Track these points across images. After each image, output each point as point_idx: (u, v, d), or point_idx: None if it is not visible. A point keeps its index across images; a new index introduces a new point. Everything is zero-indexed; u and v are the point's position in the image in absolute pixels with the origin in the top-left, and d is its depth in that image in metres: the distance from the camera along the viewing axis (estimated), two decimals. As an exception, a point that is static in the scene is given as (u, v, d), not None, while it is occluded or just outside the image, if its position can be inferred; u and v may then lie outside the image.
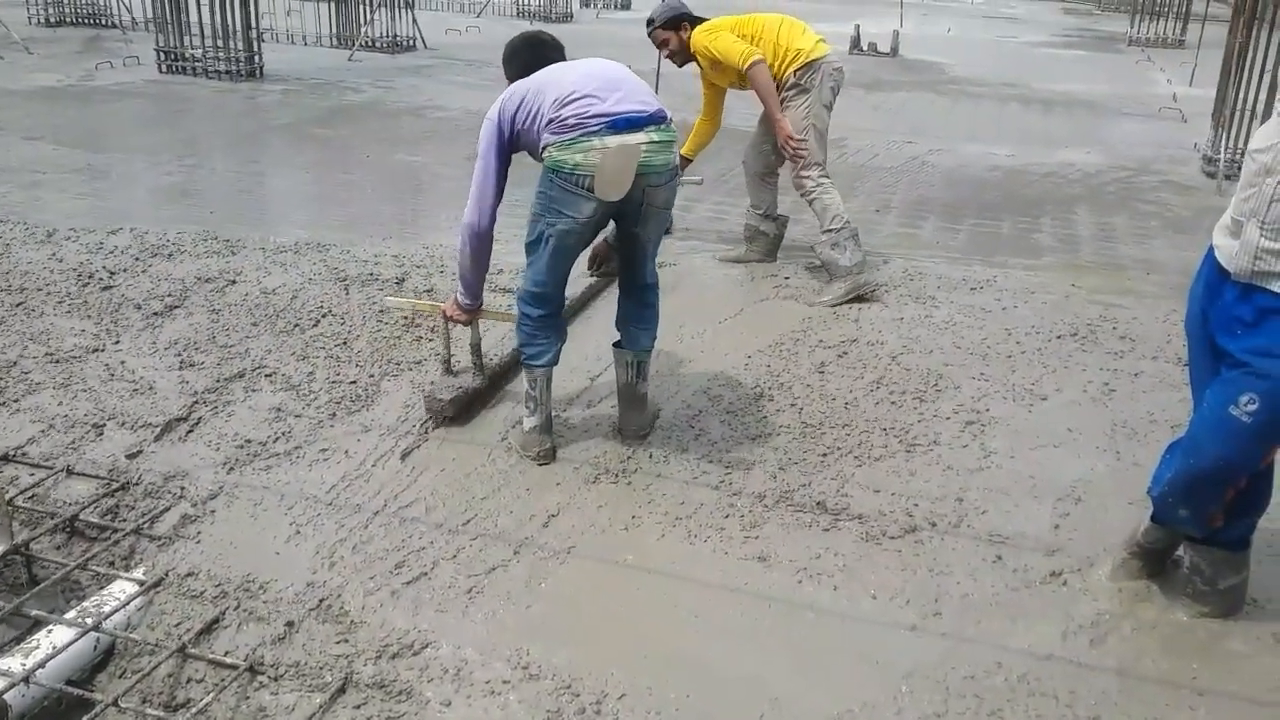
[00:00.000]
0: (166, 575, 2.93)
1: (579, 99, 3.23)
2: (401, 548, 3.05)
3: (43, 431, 3.64)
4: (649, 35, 5.35)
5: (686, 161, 5.73)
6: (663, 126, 3.32)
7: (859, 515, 3.29)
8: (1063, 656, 2.72)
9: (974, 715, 2.52)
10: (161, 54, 11.06)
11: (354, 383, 4.04)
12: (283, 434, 3.66)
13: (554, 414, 3.68)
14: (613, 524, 3.21)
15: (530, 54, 3.61)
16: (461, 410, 3.79)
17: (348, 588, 2.87)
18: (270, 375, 4.07)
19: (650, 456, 3.59)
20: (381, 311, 4.69)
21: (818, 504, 3.34)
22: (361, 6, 13.52)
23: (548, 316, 3.51)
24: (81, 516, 3.23)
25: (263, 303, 4.74)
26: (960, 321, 4.87)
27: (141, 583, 2.92)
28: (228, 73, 10.90)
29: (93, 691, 2.67)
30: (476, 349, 3.89)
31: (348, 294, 4.88)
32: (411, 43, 13.75)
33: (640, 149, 3.24)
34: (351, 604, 2.81)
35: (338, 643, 2.67)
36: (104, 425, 3.68)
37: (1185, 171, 8.44)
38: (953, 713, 2.52)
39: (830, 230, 5.13)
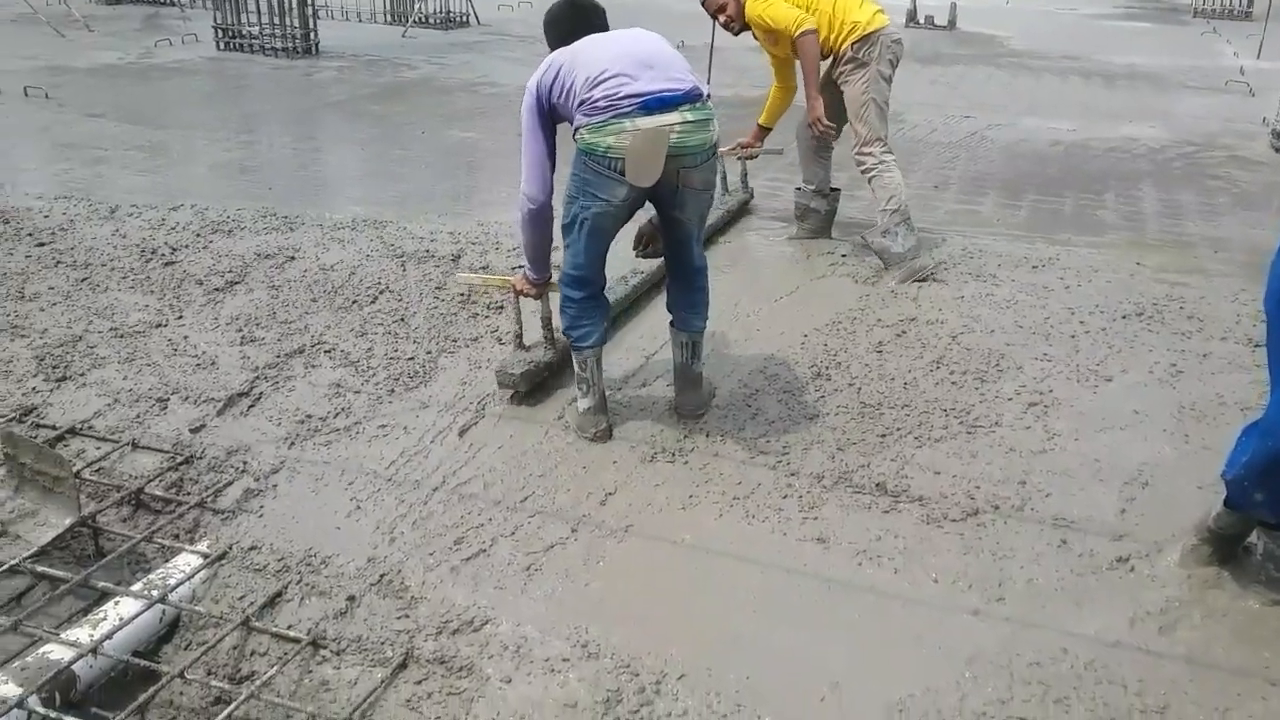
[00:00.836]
0: (230, 549, 2.97)
1: (610, 79, 3.15)
2: (460, 524, 3.06)
3: (109, 405, 3.70)
4: (702, 3, 5.26)
5: (765, 131, 5.67)
6: (698, 105, 3.22)
7: (919, 497, 3.24)
8: (1131, 644, 2.66)
9: (1039, 703, 2.47)
10: (219, 31, 11.18)
11: (411, 359, 4.05)
12: (342, 410, 3.69)
13: (609, 393, 3.67)
14: (670, 503, 3.20)
15: (571, 20, 3.51)
16: (533, 384, 3.79)
17: (408, 563, 2.89)
18: (329, 351, 4.11)
19: (707, 435, 3.56)
20: (438, 288, 4.70)
21: (877, 485, 3.30)
22: (415, -18, 13.56)
23: (589, 298, 3.49)
24: (147, 490, 3.28)
25: (321, 279, 4.77)
26: (1022, 300, 4.78)
27: (206, 555, 2.96)
28: (284, 49, 10.99)
29: (159, 663, 2.71)
30: (547, 323, 3.87)
31: (404, 270, 4.90)
32: (465, 19, 13.77)
33: (672, 131, 3.15)
34: (412, 579, 2.83)
35: (399, 618, 2.69)
36: (168, 400, 3.73)
37: (1254, 147, 8.21)
38: (1018, 700, 2.48)
39: (884, 211, 5.05)
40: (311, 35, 11.12)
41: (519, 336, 3.88)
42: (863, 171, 5.13)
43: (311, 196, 6.18)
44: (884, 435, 3.59)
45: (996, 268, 5.19)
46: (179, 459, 3.41)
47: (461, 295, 4.62)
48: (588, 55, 3.26)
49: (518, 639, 2.63)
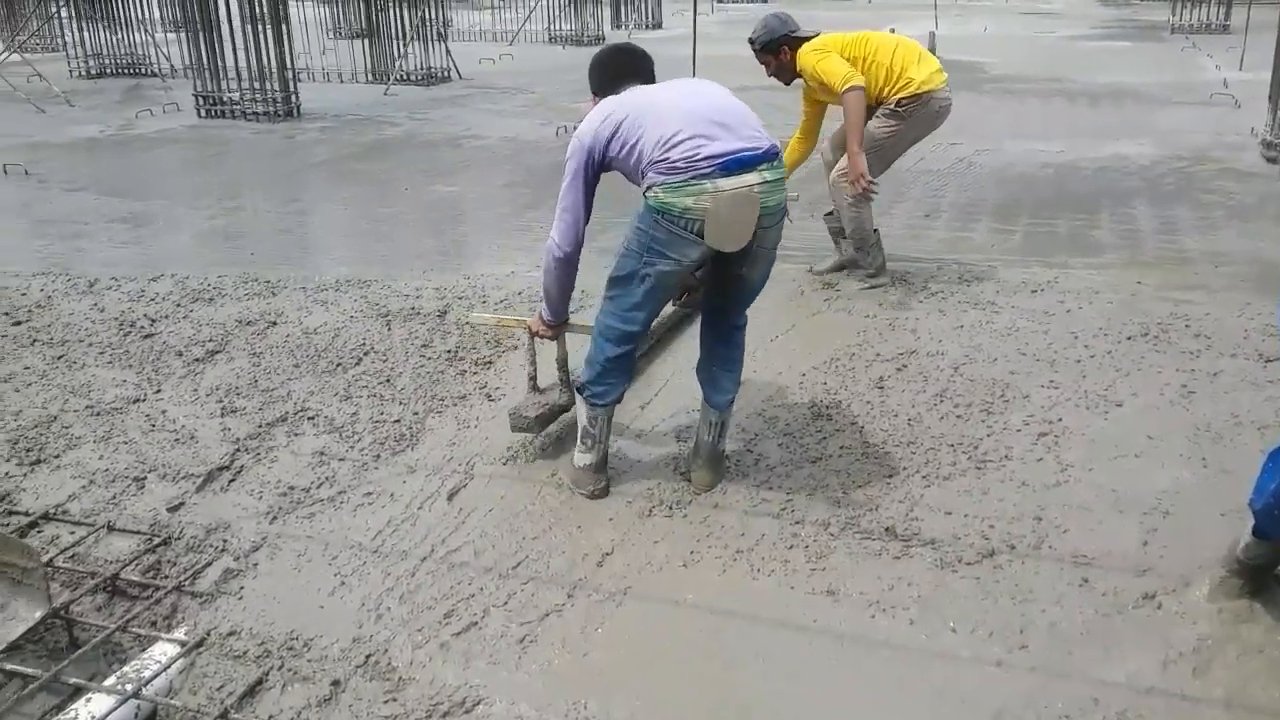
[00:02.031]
0: (208, 635, 2.81)
1: (685, 140, 3.00)
2: (450, 595, 2.91)
3: (83, 487, 3.56)
4: (754, 50, 5.16)
5: None
6: (775, 163, 3.10)
7: (931, 540, 3.10)
8: (1164, 689, 2.50)
9: (1073, 758, 2.32)
10: (200, 99, 11.14)
11: (398, 421, 3.92)
12: (326, 479, 3.55)
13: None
14: (670, 561, 3.05)
15: (618, 66, 3.42)
16: (546, 427, 3.71)
17: (395, 641, 2.74)
18: (313, 418, 3.97)
19: (706, 486, 3.42)
20: (424, 345, 4.58)
21: (886, 530, 3.15)
22: (395, 41, 13.57)
23: (626, 356, 3.33)
24: (122, 575, 3.12)
25: (304, 343, 4.65)
26: (1023, 327, 4.66)
27: (183, 643, 2.81)
28: (266, 114, 10.95)
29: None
30: (563, 364, 3.76)
31: (390, 330, 4.78)
32: (446, 74, 13.77)
33: (757, 195, 3.03)
34: (399, 659, 2.67)
35: (385, 702, 2.53)
36: (145, 478, 3.59)
37: (1245, 158, 8.14)
38: (1049, 757, 2.32)
39: (854, 239, 5.22)
40: (293, 98, 11.09)
41: (533, 378, 3.78)
42: (834, 199, 5.19)
43: (295, 259, 6.07)
44: (890, 476, 3.45)
45: (995, 294, 5.08)
46: (156, 540, 3.26)
47: (449, 352, 4.49)
48: (656, 113, 3.11)
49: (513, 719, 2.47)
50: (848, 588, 2.90)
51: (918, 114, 5.01)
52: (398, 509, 3.36)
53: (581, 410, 3.39)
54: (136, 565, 3.18)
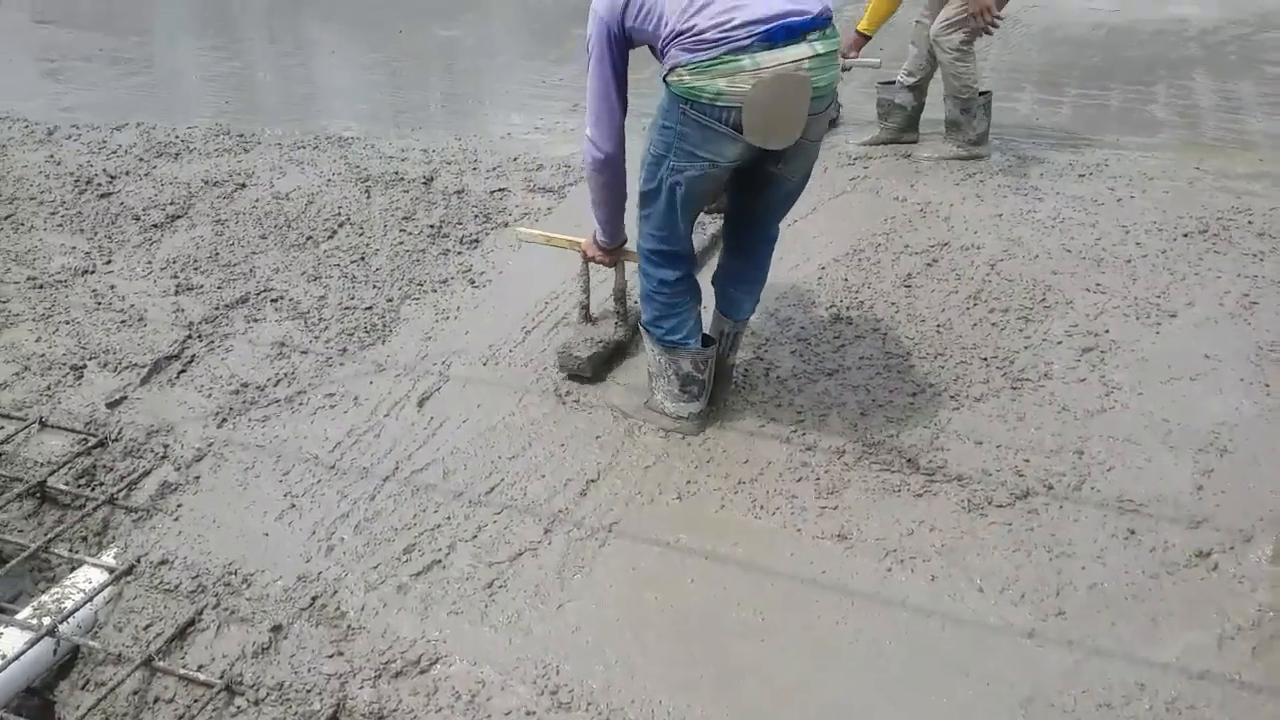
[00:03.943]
0: (138, 562, 2.50)
1: (712, 3, 2.42)
2: (413, 525, 2.58)
3: (16, 375, 3.22)
4: None
5: (865, 39, 4.91)
6: (827, 31, 2.50)
7: (958, 476, 2.73)
8: (1221, 673, 2.18)
9: (1113, 761, 2.01)
10: (186, -79, 10.34)
11: (370, 308, 3.53)
12: (285, 375, 3.19)
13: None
14: (663, 491, 2.70)
15: None
16: (600, 369, 3.18)
17: (346, 580, 2.42)
18: (276, 300, 3.59)
19: (708, 398, 3.05)
20: (406, 218, 4.16)
21: (908, 461, 2.79)
22: None
23: (681, 281, 2.82)
24: (51, 482, 2.80)
25: (274, 210, 4.23)
26: (1069, 217, 4.19)
27: (111, 569, 2.50)
28: (256, -60, 10.17)
29: (54, 701, 2.27)
30: (620, 296, 3.26)
31: (369, 197, 4.35)
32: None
33: (807, 73, 2.44)
34: (350, 603, 2.36)
35: (330, 656, 2.23)
36: (84, 366, 3.24)
37: (1316, 26, 7.44)
38: (1086, 757, 2.02)
39: (962, 91, 4.69)
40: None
41: (585, 308, 3.29)
42: (941, 52, 4.61)
43: (272, 110, 5.58)
44: (914, 395, 3.07)
45: (1039, 178, 4.59)
46: (91, 442, 2.93)
47: (432, 227, 4.07)
48: None
49: (473, 684, 2.16)
50: (862, 532, 2.56)
51: None
52: (361, 415, 3.01)
53: (656, 353, 2.88)
54: (69, 470, 2.86)
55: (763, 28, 2.39)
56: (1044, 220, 4.17)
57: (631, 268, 3.06)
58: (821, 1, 2.50)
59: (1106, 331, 3.39)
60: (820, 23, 2.47)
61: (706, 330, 3.01)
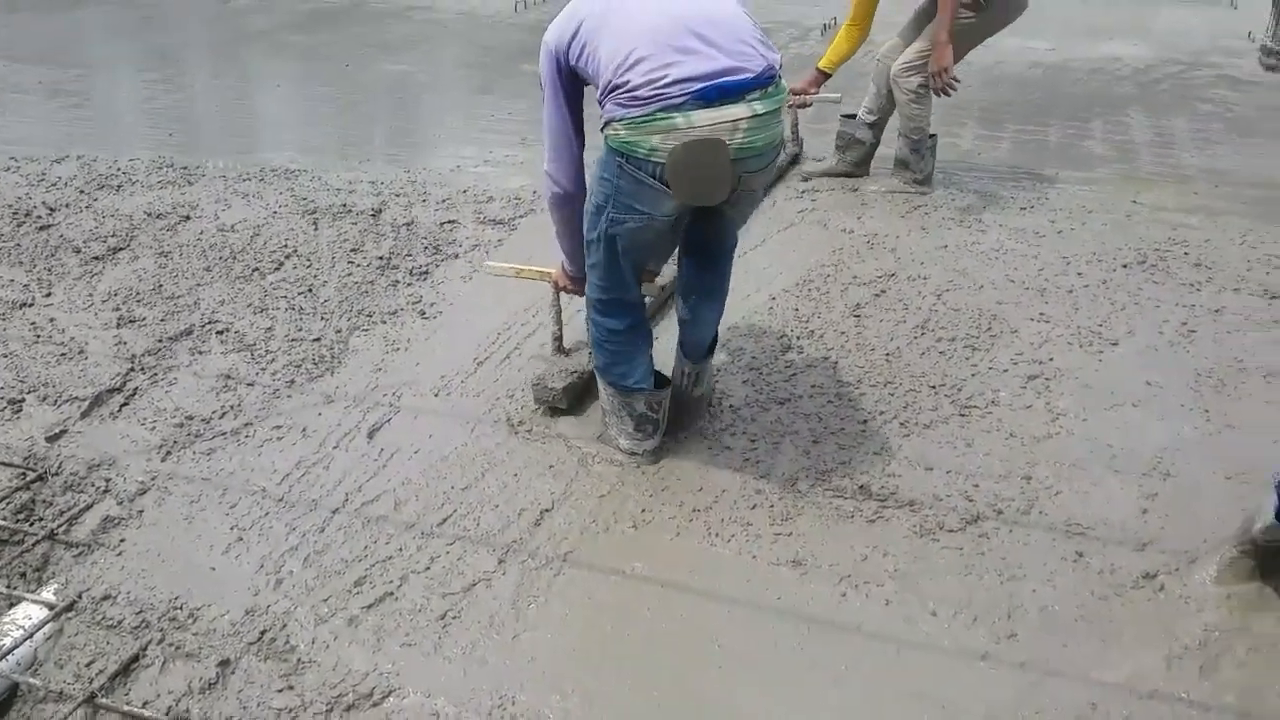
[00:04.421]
0: (80, 598, 2.43)
1: (645, 60, 2.38)
2: (364, 557, 2.54)
3: (-48, 409, 3.13)
4: None
5: (825, 77, 4.97)
6: (770, 90, 2.47)
7: (910, 502, 2.76)
8: (1169, 692, 2.20)
9: (1069, 781, 2.02)
10: (129, -45, 10.26)
11: (318, 340, 3.49)
12: (231, 408, 3.13)
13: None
14: (617, 520, 2.69)
15: None
16: (574, 401, 3.13)
17: (296, 614, 2.37)
18: (222, 332, 3.53)
19: (661, 428, 3.04)
20: (354, 250, 4.13)
21: (860, 487, 2.81)
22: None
23: (631, 330, 2.79)
24: (-13, 519, 2.72)
25: (219, 242, 4.17)
26: (1012, 249, 4.28)
27: (51, 606, 2.43)
28: (200, -25, 10.11)
29: (-9, 745, 2.20)
30: None
31: (316, 229, 4.31)
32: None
33: (737, 130, 2.40)
34: (299, 636, 2.31)
35: (280, 691, 2.18)
36: (23, 400, 3.16)
37: (1242, 65, 7.68)
38: (1042, 777, 2.03)
39: (913, 131, 4.80)
40: (231, -42, 10.25)
41: (558, 339, 3.28)
42: (898, 92, 4.72)
43: (217, 143, 5.53)
44: (865, 422, 3.10)
45: (982, 210, 4.68)
46: (30, 476, 2.85)
47: (381, 259, 4.04)
48: (617, 18, 2.48)
49: (427, 717, 2.12)
50: (816, 558, 2.56)
51: (997, 4, 4.55)
52: (310, 447, 2.96)
53: (609, 395, 2.85)
54: (7, 504, 2.77)
55: (697, 86, 2.37)
56: (988, 252, 4.25)
57: None
58: (765, 59, 2.47)
59: (1051, 359, 3.46)
60: (762, 81, 2.45)
61: (670, 370, 3.00)
